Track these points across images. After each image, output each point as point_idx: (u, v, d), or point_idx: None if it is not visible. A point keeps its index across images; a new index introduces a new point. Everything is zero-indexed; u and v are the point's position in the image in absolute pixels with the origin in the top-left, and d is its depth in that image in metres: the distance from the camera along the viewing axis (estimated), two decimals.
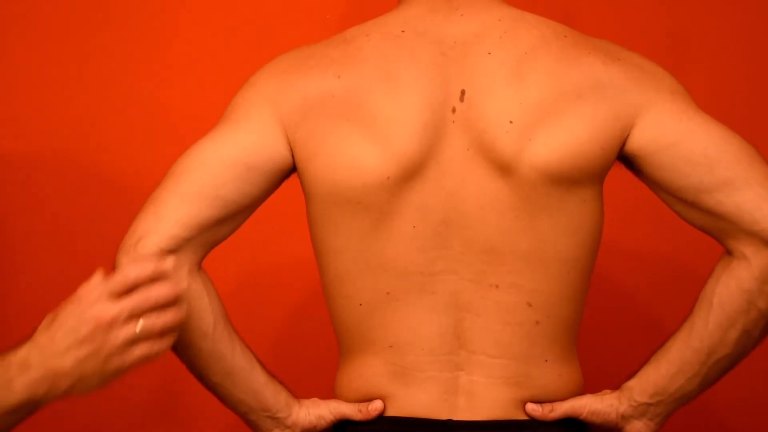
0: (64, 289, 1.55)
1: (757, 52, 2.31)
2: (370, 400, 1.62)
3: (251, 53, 2.24)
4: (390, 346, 1.60)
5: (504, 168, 1.55)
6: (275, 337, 2.33)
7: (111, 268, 1.54)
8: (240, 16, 2.30)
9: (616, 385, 1.65)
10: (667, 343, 1.61)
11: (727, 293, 1.56)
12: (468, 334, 1.58)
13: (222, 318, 1.61)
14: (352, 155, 1.56)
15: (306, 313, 2.33)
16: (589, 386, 1.66)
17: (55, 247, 2.28)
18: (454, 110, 1.57)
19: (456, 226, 1.57)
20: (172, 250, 1.56)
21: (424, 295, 1.58)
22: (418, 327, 1.59)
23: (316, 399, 1.66)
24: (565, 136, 1.55)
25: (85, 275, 1.53)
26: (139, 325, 1.46)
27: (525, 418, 1.60)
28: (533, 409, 1.60)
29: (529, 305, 1.58)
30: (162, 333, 1.48)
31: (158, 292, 1.47)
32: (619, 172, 1.62)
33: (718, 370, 1.59)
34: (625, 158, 1.60)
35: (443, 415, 1.59)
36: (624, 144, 1.58)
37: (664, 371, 1.60)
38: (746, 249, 1.55)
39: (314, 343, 2.27)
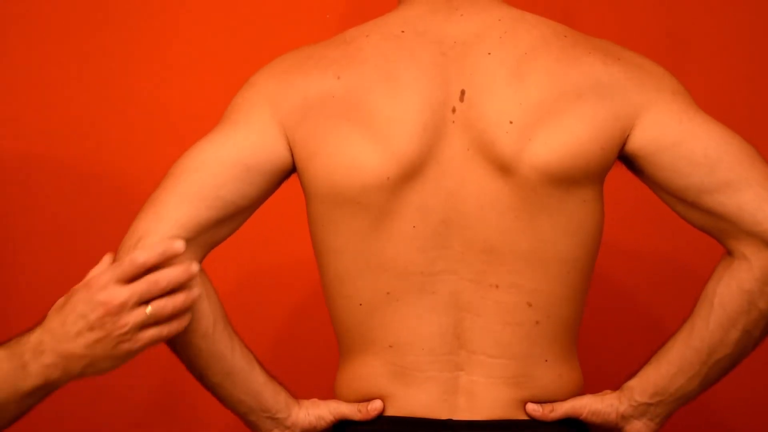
0: (64, 289, 1.55)
1: (757, 52, 2.31)
2: (370, 400, 1.62)
3: (251, 53, 2.24)
4: (390, 346, 1.60)
5: (504, 168, 1.55)
6: (275, 337, 2.33)
7: None
8: (240, 16, 2.30)
9: (616, 385, 1.65)
10: (668, 344, 1.61)
11: (727, 294, 1.56)
12: (468, 334, 1.58)
13: (221, 318, 1.61)
14: (352, 155, 1.56)
15: (306, 313, 2.33)
16: (589, 386, 1.66)
17: (55, 247, 2.28)
18: (454, 110, 1.57)
19: (456, 226, 1.57)
20: None
21: (424, 295, 1.58)
22: (418, 327, 1.59)
23: (315, 399, 1.66)
24: (565, 136, 1.55)
25: (85, 275, 1.54)
26: (149, 308, 1.47)
27: (525, 418, 1.60)
28: (534, 409, 1.60)
29: (529, 305, 1.58)
30: (172, 316, 1.50)
31: (167, 275, 1.49)
32: (619, 172, 1.62)
33: (719, 370, 1.59)
34: (626, 158, 1.60)
35: (443, 414, 1.59)
36: (624, 144, 1.58)
37: (665, 371, 1.60)
38: (747, 249, 1.55)
39: (314, 343, 2.27)
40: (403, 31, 1.60)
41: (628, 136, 1.58)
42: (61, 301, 1.51)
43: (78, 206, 2.29)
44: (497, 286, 1.57)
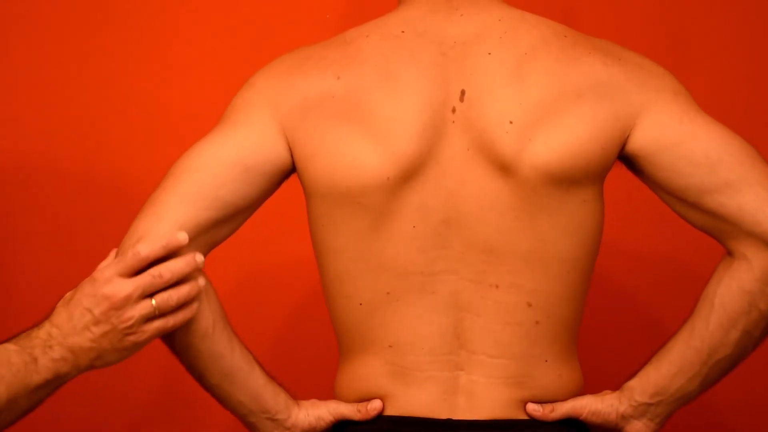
0: (64, 289, 1.56)
1: (757, 52, 2.31)
2: (369, 399, 1.62)
3: (251, 53, 2.24)
4: (390, 346, 1.60)
5: (504, 168, 1.55)
6: (275, 337, 2.33)
7: None
8: (240, 16, 2.30)
9: (616, 385, 1.65)
10: (668, 344, 1.61)
11: (728, 294, 1.56)
12: (468, 334, 1.58)
13: (221, 319, 1.61)
14: (352, 155, 1.56)
15: (306, 313, 2.33)
16: (589, 386, 1.66)
17: (55, 247, 2.28)
18: (454, 110, 1.57)
19: (456, 226, 1.57)
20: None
21: (424, 295, 1.58)
22: (418, 327, 1.59)
23: (315, 400, 1.66)
24: (565, 136, 1.55)
25: (85, 275, 1.54)
26: (154, 301, 1.48)
27: (525, 417, 1.60)
28: (534, 409, 1.60)
29: (529, 305, 1.58)
30: (178, 307, 1.50)
31: (171, 267, 1.51)
32: (619, 172, 1.62)
33: (719, 371, 1.59)
34: (626, 158, 1.60)
35: (443, 414, 1.59)
36: (625, 144, 1.58)
37: (665, 371, 1.60)
38: (747, 250, 1.55)
39: (314, 343, 2.27)
40: (403, 32, 1.60)
41: (628, 136, 1.58)
42: (68, 295, 1.53)
43: (78, 206, 2.29)
44: (497, 286, 1.57)
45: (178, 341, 1.59)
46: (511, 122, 1.55)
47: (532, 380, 1.60)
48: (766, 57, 2.31)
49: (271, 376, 1.65)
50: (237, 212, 1.60)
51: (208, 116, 1.72)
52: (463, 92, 1.57)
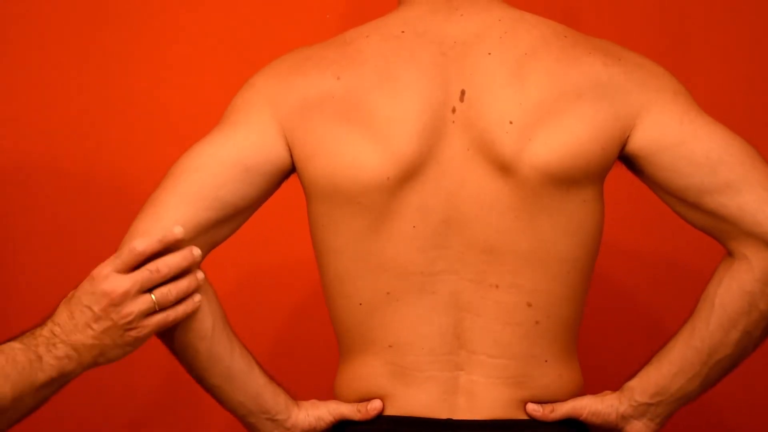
0: (64, 289, 1.56)
1: (757, 52, 2.31)
2: (369, 399, 1.62)
3: (251, 53, 2.24)
4: (390, 346, 1.60)
5: (504, 168, 1.55)
6: (275, 337, 2.33)
7: None
8: (240, 16, 2.30)
9: (616, 385, 1.65)
10: (669, 344, 1.61)
11: (728, 294, 1.56)
12: (468, 334, 1.58)
13: (221, 320, 1.61)
14: (352, 156, 1.56)
15: (306, 313, 2.33)
16: (589, 386, 1.66)
17: (55, 247, 2.28)
18: (454, 110, 1.57)
19: (456, 226, 1.57)
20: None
21: (424, 295, 1.58)
22: (418, 327, 1.59)
23: (314, 400, 1.66)
24: (565, 136, 1.55)
25: (85, 275, 1.54)
26: (153, 295, 1.49)
27: (525, 417, 1.60)
28: (534, 409, 1.60)
29: (529, 305, 1.58)
30: (178, 302, 1.52)
31: (168, 261, 1.52)
32: (619, 172, 1.62)
33: (719, 371, 1.59)
34: (626, 158, 1.60)
35: (443, 414, 1.59)
36: (625, 144, 1.58)
37: (666, 371, 1.60)
38: (748, 251, 1.55)
39: (314, 343, 2.27)
40: (403, 32, 1.60)
41: (628, 136, 1.58)
42: (70, 295, 1.53)
43: (78, 206, 2.29)
44: (497, 286, 1.57)
45: (177, 342, 1.59)
46: (511, 122, 1.55)
47: (532, 380, 1.60)
48: (766, 57, 2.31)
49: (271, 377, 1.65)
50: (237, 212, 1.60)
51: (208, 116, 1.72)
52: (463, 92, 1.57)
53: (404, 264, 1.57)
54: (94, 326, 1.50)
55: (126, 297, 1.50)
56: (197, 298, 1.56)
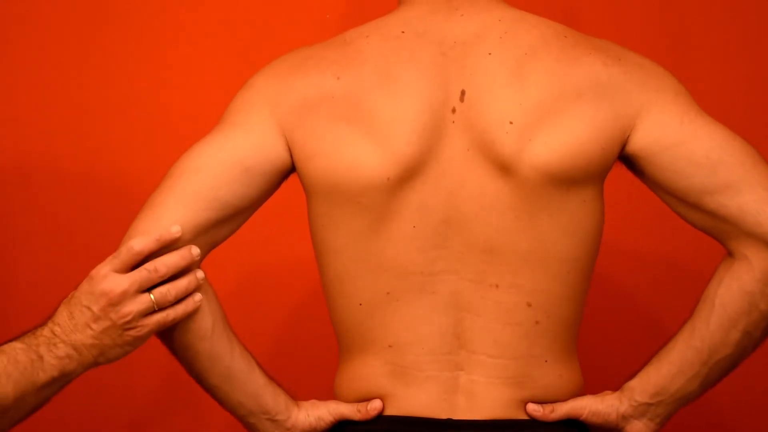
0: (64, 289, 1.56)
1: (757, 52, 2.31)
2: (369, 399, 1.62)
3: (251, 53, 2.24)
4: (390, 346, 1.60)
5: (504, 168, 1.55)
6: (275, 337, 2.33)
7: None
8: (240, 16, 2.30)
9: (616, 386, 1.65)
10: (669, 344, 1.61)
11: (728, 295, 1.56)
12: (468, 334, 1.58)
13: (221, 320, 1.61)
14: (352, 156, 1.56)
15: (306, 313, 2.33)
16: (589, 386, 1.66)
17: (55, 247, 2.28)
18: (454, 110, 1.57)
19: (456, 226, 1.57)
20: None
21: (424, 295, 1.58)
22: (418, 327, 1.59)
23: (314, 400, 1.66)
24: (565, 137, 1.55)
25: (86, 275, 1.54)
26: (152, 295, 1.49)
27: (525, 417, 1.60)
28: (534, 409, 1.60)
29: (529, 305, 1.58)
30: (177, 301, 1.52)
31: (166, 261, 1.52)
32: (619, 172, 1.62)
33: (719, 371, 1.59)
34: (626, 159, 1.60)
35: (443, 414, 1.59)
36: (625, 144, 1.58)
37: (666, 371, 1.60)
38: (748, 251, 1.55)
39: (314, 343, 2.27)
40: (403, 32, 1.60)
41: (628, 136, 1.58)
42: (70, 296, 1.53)
43: (78, 206, 2.29)
44: (497, 286, 1.57)
45: (177, 342, 1.59)
46: (511, 122, 1.55)
47: (532, 380, 1.60)
48: (766, 57, 2.31)
49: (271, 377, 1.65)
50: (237, 212, 1.60)
51: (208, 116, 1.72)
52: (463, 92, 1.57)
53: (404, 264, 1.57)
54: (94, 326, 1.50)
55: (124, 297, 1.50)
56: (198, 297, 1.56)
